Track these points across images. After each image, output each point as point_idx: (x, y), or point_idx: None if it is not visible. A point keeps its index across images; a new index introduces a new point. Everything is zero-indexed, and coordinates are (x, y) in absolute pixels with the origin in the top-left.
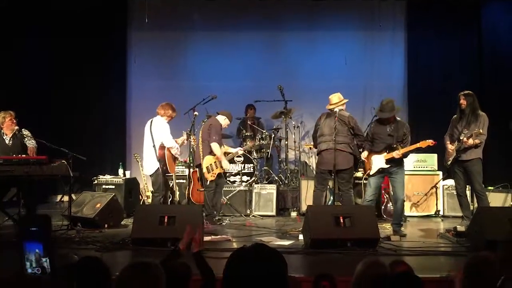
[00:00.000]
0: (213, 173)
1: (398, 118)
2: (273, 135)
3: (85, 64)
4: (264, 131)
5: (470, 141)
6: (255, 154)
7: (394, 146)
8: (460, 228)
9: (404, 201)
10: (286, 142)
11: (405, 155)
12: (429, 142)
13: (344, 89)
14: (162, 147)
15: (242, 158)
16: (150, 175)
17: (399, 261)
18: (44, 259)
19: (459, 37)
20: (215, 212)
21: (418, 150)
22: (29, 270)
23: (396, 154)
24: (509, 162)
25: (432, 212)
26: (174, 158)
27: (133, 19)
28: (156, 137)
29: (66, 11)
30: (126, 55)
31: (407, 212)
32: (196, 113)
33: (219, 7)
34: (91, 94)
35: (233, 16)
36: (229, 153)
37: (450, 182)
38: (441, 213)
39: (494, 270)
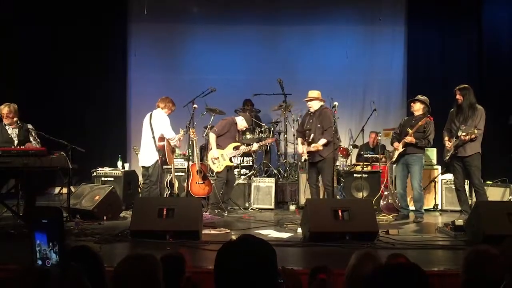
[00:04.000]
0: (219, 165)
1: (428, 116)
2: (272, 129)
3: (85, 56)
4: (263, 124)
5: (467, 138)
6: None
7: (408, 131)
8: (458, 222)
9: (420, 189)
10: (285, 136)
11: (418, 143)
12: (424, 119)
13: (344, 83)
14: (162, 138)
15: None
16: (148, 167)
17: (398, 254)
18: (54, 252)
19: (459, 31)
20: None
21: None
22: (39, 262)
23: (406, 137)
24: (507, 157)
25: (431, 206)
26: (173, 150)
27: (132, 11)
28: (156, 129)
29: (66, 5)
30: (126, 47)
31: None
32: (195, 106)
33: None
34: (91, 86)
35: (233, 9)
36: (238, 146)
37: (449, 176)
38: (439, 207)
39: (494, 263)
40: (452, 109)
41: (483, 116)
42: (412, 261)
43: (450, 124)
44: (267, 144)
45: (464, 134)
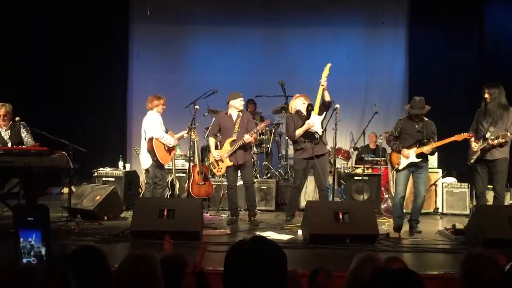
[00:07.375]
0: (219, 168)
1: (426, 118)
2: (273, 130)
3: (87, 56)
4: None
5: (496, 142)
6: (255, 148)
7: (425, 141)
8: (459, 226)
9: (425, 197)
10: (286, 137)
11: (432, 151)
12: (465, 135)
13: (345, 86)
14: (150, 139)
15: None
16: (147, 169)
17: (395, 257)
18: (40, 249)
19: (461, 35)
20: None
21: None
22: (24, 260)
23: (426, 149)
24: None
25: (431, 210)
26: (169, 149)
27: (135, 12)
28: (146, 130)
29: (66, 5)
30: (128, 48)
31: (406, 209)
32: (197, 107)
33: (221, 1)
34: (93, 86)
35: (235, 10)
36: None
37: (450, 180)
38: (439, 210)
39: (494, 266)
40: (479, 109)
41: None
42: (409, 265)
43: (477, 125)
44: (261, 129)
45: (493, 137)
